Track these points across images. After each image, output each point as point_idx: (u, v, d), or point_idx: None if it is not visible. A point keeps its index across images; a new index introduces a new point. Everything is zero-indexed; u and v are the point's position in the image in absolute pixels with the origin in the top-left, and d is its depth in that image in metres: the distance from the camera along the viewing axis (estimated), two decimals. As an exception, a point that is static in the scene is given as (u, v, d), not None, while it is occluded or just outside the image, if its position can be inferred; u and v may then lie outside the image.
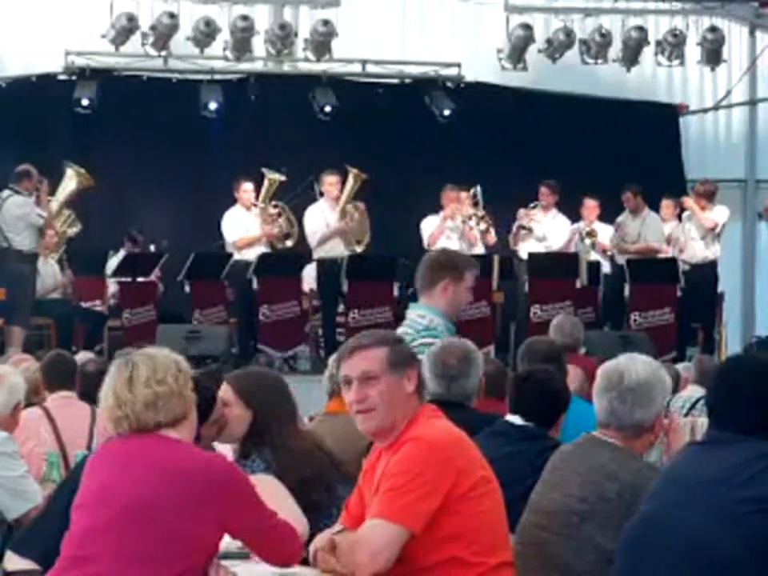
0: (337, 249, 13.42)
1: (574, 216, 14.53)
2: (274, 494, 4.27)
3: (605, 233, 14.28)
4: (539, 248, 13.89)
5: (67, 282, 13.52)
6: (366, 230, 13.73)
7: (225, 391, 4.65)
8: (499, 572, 3.76)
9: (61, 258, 13.76)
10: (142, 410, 3.64)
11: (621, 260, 13.88)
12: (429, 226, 13.85)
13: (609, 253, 14.23)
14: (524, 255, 13.88)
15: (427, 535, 3.65)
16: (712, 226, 13.66)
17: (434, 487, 3.64)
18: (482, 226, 13.83)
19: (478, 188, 13.94)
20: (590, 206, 14.30)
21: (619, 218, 14.07)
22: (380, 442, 3.87)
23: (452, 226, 13.82)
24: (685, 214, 13.99)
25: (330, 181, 13.51)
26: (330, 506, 4.42)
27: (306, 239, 13.59)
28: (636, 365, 4.20)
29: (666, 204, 14.18)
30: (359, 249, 13.66)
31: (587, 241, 14.15)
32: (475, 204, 13.94)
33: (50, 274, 13.36)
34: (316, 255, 13.52)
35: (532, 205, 14.09)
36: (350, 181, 13.61)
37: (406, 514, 3.61)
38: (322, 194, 13.96)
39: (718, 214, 13.80)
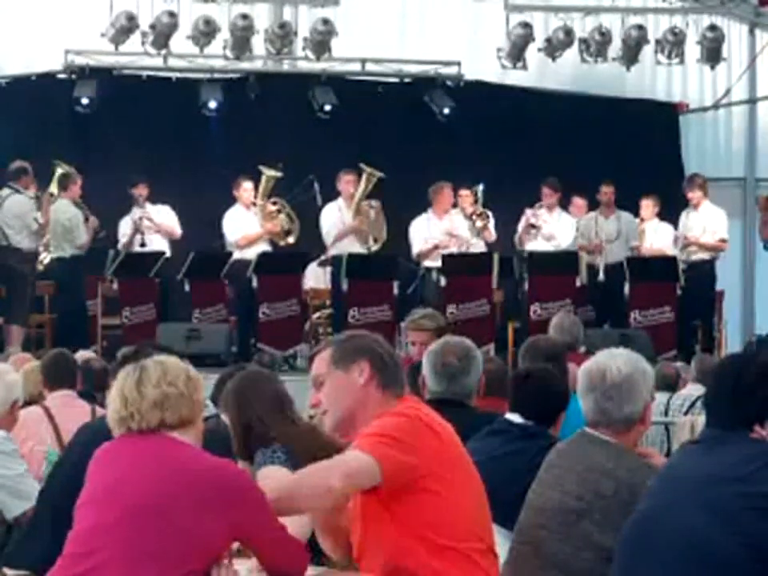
0: (351, 247, 13.47)
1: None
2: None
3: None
4: (548, 247, 13.90)
5: (93, 225, 13.46)
6: (382, 227, 13.79)
7: None
8: (474, 558, 3.75)
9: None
10: (149, 408, 3.62)
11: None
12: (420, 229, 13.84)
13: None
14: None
15: (401, 516, 3.66)
16: (723, 245, 13.78)
17: (407, 447, 3.64)
18: (480, 223, 13.83)
19: (481, 186, 13.95)
20: (579, 204, 14.34)
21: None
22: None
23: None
24: (684, 213, 13.99)
25: (346, 179, 13.59)
26: None
27: (322, 238, 13.66)
28: (615, 361, 4.18)
29: (646, 204, 14.14)
30: (376, 247, 13.75)
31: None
32: (474, 201, 13.95)
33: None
34: (331, 253, 13.60)
35: (538, 205, 14.10)
36: (364, 179, 13.66)
37: (379, 450, 3.60)
38: (322, 193, 14.00)
39: (720, 226, 13.79)
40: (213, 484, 3.53)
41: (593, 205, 14.38)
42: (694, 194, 13.80)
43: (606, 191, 14.09)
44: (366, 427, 3.72)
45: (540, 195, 14.15)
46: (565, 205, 14.38)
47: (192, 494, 3.49)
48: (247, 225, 13.73)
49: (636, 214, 14.30)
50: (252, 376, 5.00)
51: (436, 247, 13.64)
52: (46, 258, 13.69)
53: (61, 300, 13.29)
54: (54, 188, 13.43)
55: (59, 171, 13.55)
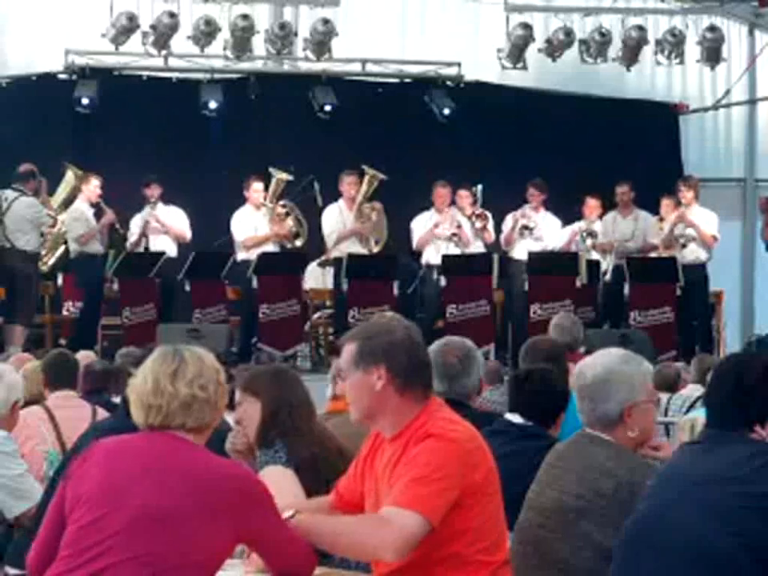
0: (352, 248, 13.48)
1: (575, 215, 14.55)
2: (280, 488, 4.28)
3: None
4: (536, 247, 13.89)
5: (107, 221, 13.43)
6: (383, 229, 13.81)
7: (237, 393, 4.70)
8: (498, 571, 3.76)
9: (59, 259, 13.79)
10: (177, 409, 3.55)
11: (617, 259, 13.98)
12: (420, 223, 13.87)
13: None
14: (518, 255, 13.88)
15: (436, 531, 3.62)
16: (713, 241, 13.76)
17: (455, 482, 3.63)
18: (479, 224, 13.84)
19: (480, 187, 13.97)
20: (592, 204, 14.37)
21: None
22: (380, 430, 3.88)
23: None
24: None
25: (348, 181, 13.59)
26: None
27: (324, 239, 13.67)
28: (595, 361, 4.21)
29: (667, 203, 14.16)
30: (377, 248, 13.77)
31: (588, 241, 14.19)
32: (474, 202, 13.96)
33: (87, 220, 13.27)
34: (333, 254, 13.61)
35: (527, 207, 14.11)
36: (366, 181, 13.66)
37: (427, 504, 3.58)
38: (322, 194, 14.00)
39: (712, 224, 13.83)
40: (223, 491, 3.46)
41: (605, 205, 14.42)
42: (686, 194, 13.83)
43: (620, 191, 14.16)
44: (410, 464, 3.66)
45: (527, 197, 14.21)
46: (579, 206, 14.41)
47: (201, 501, 3.44)
48: (254, 226, 13.71)
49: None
50: (291, 370, 5.03)
51: (436, 226, 13.62)
52: (51, 258, 13.75)
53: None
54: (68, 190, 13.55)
55: (69, 173, 13.60)
